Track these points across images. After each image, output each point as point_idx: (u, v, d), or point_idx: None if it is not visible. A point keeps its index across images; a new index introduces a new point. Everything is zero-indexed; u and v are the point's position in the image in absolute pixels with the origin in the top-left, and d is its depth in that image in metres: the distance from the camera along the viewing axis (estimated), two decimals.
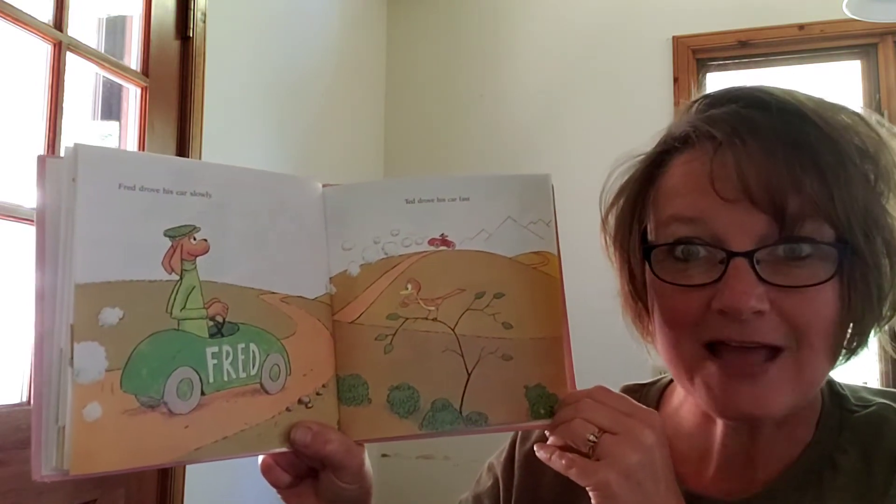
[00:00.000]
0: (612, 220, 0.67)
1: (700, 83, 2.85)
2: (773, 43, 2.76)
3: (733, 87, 0.62)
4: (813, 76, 2.81)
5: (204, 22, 1.96)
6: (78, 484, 1.55)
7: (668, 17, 2.85)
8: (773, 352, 0.57)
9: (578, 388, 0.60)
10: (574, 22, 2.96)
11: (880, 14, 2.21)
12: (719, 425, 0.64)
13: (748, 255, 0.55)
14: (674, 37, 2.83)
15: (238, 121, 2.14)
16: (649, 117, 2.91)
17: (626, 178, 0.67)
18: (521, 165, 2.84)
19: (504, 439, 0.79)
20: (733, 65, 2.86)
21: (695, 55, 2.82)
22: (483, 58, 3.05)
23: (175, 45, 1.91)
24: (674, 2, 2.87)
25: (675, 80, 2.81)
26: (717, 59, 2.85)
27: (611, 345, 2.17)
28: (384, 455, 2.81)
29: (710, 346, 0.58)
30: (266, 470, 0.60)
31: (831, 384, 0.66)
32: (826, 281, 0.55)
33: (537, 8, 3.02)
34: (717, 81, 2.87)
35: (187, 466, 1.85)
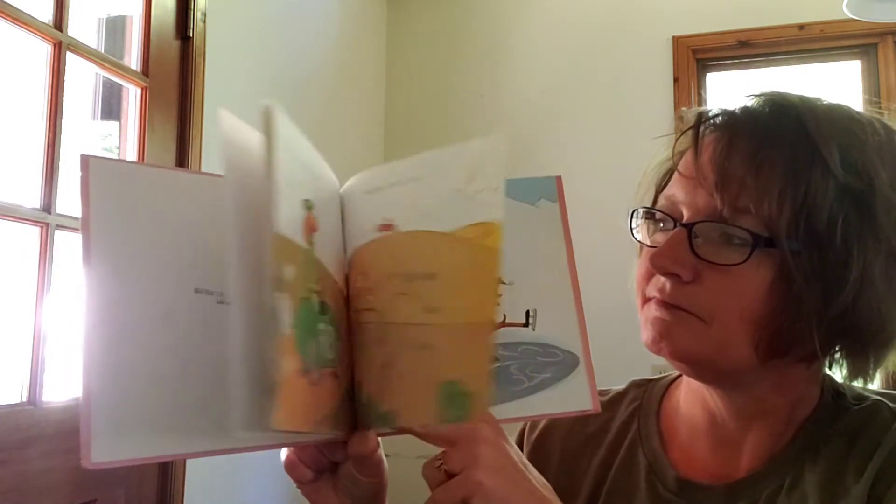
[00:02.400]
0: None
1: (700, 83, 2.85)
2: (773, 43, 2.76)
3: (771, 91, 0.65)
4: (813, 76, 2.80)
5: (204, 22, 1.96)
6: (78, 484, 1.55)
7: (668, 18, 2.85)
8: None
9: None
10: (574, 22, 2.96)
11: (880, 14, 2.21)
12: (707, 414, 0.68)
13: (687, 226, 0.61)
14: (674, 37, 2.83)
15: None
16: (649, 117, 2.92)
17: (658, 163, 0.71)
18: (521, 165, 2.84)
19: None
20: (733, 65, 2.85)
21: (695, 55, 2.82)
22: (483, 58, 3.05)
23: (175, 44, 1.91)
24: (674, 2, 2.87)
25: (675, 80, 2.80)
26: (717, 59, 2.85)
27: (613, 343, 2.17)
28: (385, 455, 2.81)
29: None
30: (290, 466, 0.61)
31: (833, 382, 0.68)
32: (734, 264, 0.59)
33: (537, 8, 3.02)
34: (718, 81, 2.87)
35: (188, 466, 1.85)
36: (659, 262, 0.62)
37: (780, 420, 0.66)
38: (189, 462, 1.85)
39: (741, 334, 0.61)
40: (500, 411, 0.59)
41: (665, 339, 0.63)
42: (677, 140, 0.67)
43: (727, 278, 0.60)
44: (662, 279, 0.63)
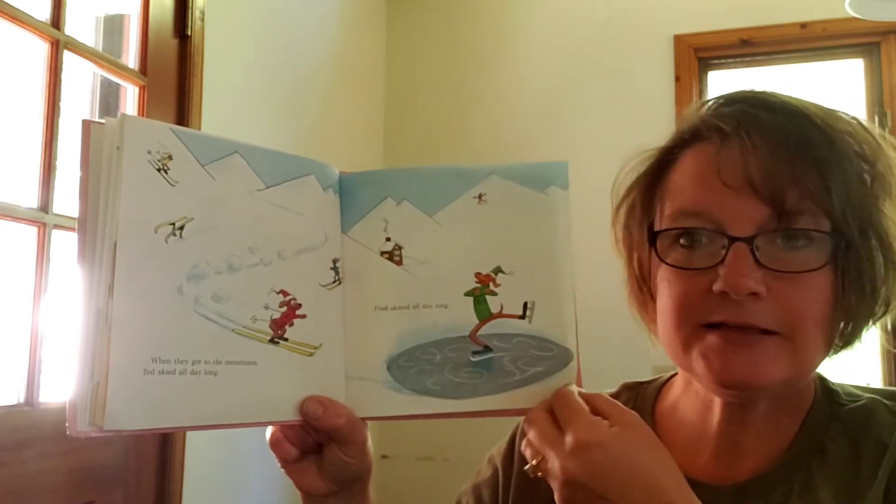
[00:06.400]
0: (622, 212, 0.71)
1: (702, 82, 2.84)
2: (775, 41, 2.75)
3: (741, 90, 0.66)
4: (815, 75, 2.79)
5: (202, 20, 1.95)
6: (76, 485, 1.54)
7: (670, 16, 2.84)
8: (768, 334, 0.60)
9: (587, 384, 0.61)
10: (575, 21, 2.95)
11: (883, 13, 2.20)
12: (716, 413, 0.67)
13: (748, 240, 0.59)
14: (675, 35, 2.82)
15: (236, 120, 2.13)
16: (651, 116, 2.90)
17: (637, 172, 0.70)
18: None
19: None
20: (735, 63, 2.84)
21: (696, 54, 2.81)
22: (483, 57, 3.04)
23: (173, 43, 1.90)
24: (675, 0, 2.86)
25: (677, 78, 2.79)
26: (719, 57, 2.83)
27: (614, 342, 2.16)
28: (384, 456, 2.80)
29: (708, 326, 0.61)
30: (274, 443, 0.63)
31: (823, 380, 0.69)
32: (819, 268, 0.59)
33: (538, 7, 3.00)
34: (719, 80, 2.86)
35: (186, 467, 1.85)
36: (744, 283, 0.58)
37: (783, 413, 0.66)
38: (187, 463, 1.85)
39: (819, 337, 0.61)
40: (489, 402, 0.60)
41: (752, 377, 0.60)
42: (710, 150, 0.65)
43: (798, 284, 0.59)
44: (736, 301, 0.59)
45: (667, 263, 0.64)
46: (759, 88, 0.66)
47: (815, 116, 0.61)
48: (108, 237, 0.52)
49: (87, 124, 0.54)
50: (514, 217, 0.62)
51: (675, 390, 0.73)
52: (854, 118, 0.64)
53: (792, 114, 0.62)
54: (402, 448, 2.82)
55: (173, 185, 0.55)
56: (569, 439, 0.55)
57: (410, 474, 2.80)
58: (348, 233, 0.62)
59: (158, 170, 0.54)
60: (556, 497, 0.55)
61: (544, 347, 0.60)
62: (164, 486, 1.79)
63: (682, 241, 0.63)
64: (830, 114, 0.63)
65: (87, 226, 0.53)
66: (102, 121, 0.54)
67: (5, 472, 1.39)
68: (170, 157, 0.55)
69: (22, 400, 1.47)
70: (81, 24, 1.73)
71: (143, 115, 1.79)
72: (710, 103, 0.67)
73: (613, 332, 2.11)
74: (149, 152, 0.54)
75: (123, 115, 0.54)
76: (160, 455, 1.79)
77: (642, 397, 0.76)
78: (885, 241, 0.61)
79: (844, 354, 0.65)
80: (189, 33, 1.91)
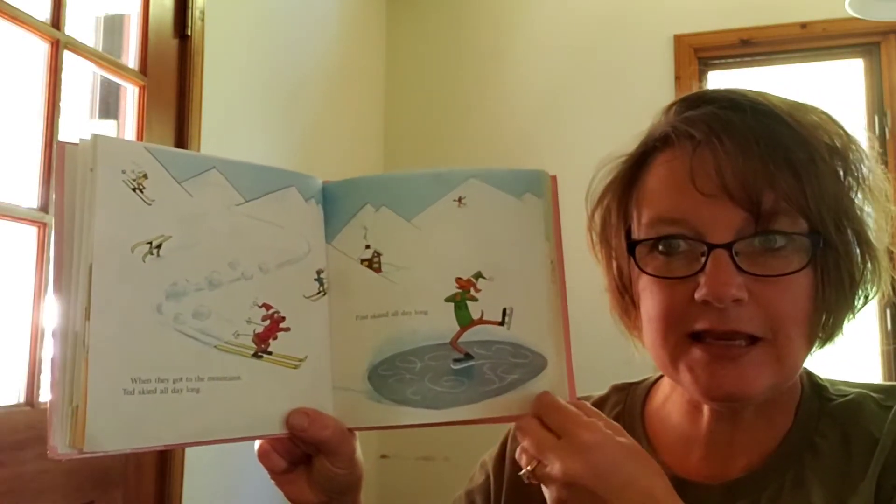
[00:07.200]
0: (597, 218, 0.71)
1: (702, 82, 2.84)
2: (775, 41, 2.75)
3: (708, 90, 0.67)
4: (815, 75, 2.79)
5: (202, 20, 1.95)
6: (75, 485, 1.54)
7: (670, 16, 2.84)
8: (753, 340, 0.60)
9: (577, 383, 0.61)
10: (575, 21, 2.95)
11: (883, 13, 2.20)
12: (705, 414, 0.67)
13: (727, 246, 0.59)
14: (675, 35, 2.82)
15: (236, 120, 2.13)
16: (650, 116, 2.89)
17: (610, 178, 0.70)
18: (521, 164, 2.83)
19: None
20: (735, 63, 2.84)
21: (696, 54, 2.81)
22: (483, 57, 3.04)
23: (173, 43, 1.90)
24: (675, 0, 2.86)
25: (677, 78, 2.79)
26: (719, 57, 2.84)
27: (610, 342, 2.16)
28: (384, 456, 2.80)
29: (693, 336, 0.62)
30: (263, 455, 0.62)
31: (811, 375, 0.70)
32: (800, 270, 0.59)
33: (537, 7, 3.01)
34: (719, 80, 2.86)
35: (186, 467, 1.85)
36: (726, 291, 0.58)
37: (773, 411, 0.66)
38: (187, 463, 1.85)
39: (801, 337, 0.61)
40: (469, 412, 0.59)
41: (739, 390, 0.60)
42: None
43: (779, 287, 0.59)
44: (719, 309, 0.59)
45: (646, 273, 0.64)
46: (723, 87, 0.66)
47: (785, 113, 0.61)
48: (83, 259, 0.52)
49: (61, 146, 0.53)
50: (493, 222, 0.61)
51: (664, 390, 0.74)
52: (823, 111, 0.64)
53: (761, 113, 0.61)
54: (402, 448, 2.81)
55: (149, 204, 0.54)
56: (572, 441, 0.55)
57: (410, 474, 2.80)
58: (332, 242, 0.61)
59: (133, 189, 0.54)
60: (552, 499, 0.55)
61: (520, 354, 0.60)
62: (164, 486, 1.79)
63: (660, 247, 0.63)
64: (799, 108, 0.63)
65: (63, 248, 0.53)
66: (76, 141, 0.53)
67: (5, 473, 1.39)
68: (145, 176, 0.54)
69: (22, 400, 1.47)
70: (81, 24, 1.73)
71: (143, 115, 1.79)
72: (677, 106, 0.67)
73: (613, 330, 2.12)
74: (123, 172, 0.53)
75: (96, 135, 0.53)
76: (160, 455, 1.79)
77: (632, 398, 0.76)
78: (861, 233, 0.62)
79: (829, 349, 0.66)
80: (189, 33, 1.91)
